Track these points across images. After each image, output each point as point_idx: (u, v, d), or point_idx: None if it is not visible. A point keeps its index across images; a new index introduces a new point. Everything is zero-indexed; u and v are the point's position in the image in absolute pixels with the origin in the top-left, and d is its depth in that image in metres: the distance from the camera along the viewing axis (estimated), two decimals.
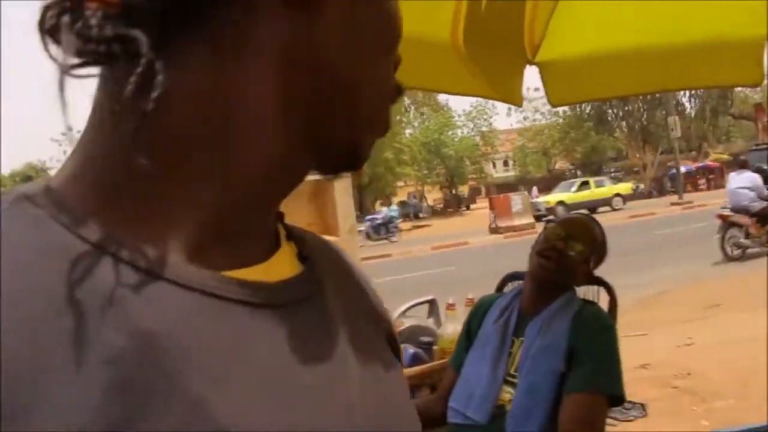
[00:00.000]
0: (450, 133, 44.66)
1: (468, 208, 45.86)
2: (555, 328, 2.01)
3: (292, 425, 0.46)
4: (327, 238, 2.90)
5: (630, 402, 4.76)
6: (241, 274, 0.48)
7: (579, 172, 46.75)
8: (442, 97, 44.57)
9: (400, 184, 45.85)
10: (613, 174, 43.86)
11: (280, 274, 0.52)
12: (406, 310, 2.91)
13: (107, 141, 0.45)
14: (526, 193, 28.96)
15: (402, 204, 39.38)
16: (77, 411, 0.37)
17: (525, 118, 48.19)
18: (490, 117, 46.97)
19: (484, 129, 47.20)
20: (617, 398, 1.98)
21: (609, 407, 2.01)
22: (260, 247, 0.53)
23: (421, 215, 41.16)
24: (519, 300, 2.17)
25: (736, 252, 11.18)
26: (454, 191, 47.21)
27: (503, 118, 55.35)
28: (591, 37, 2.51)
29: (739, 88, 44.02)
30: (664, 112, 35.97)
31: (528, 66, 2.55)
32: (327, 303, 0.56)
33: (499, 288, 2.36)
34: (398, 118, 40.19)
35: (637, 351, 6.29)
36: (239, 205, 0.49)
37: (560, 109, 44.25)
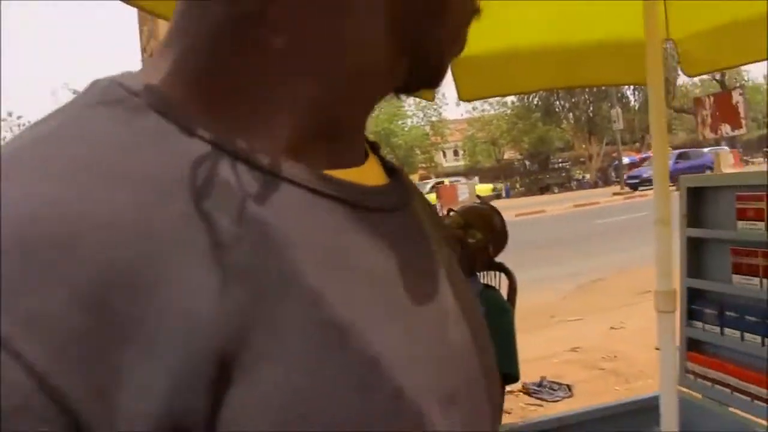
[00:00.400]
0: (400, 122, 44.71)
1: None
2: None
3: (407, 330, 0.47)
4: None
5: (557, 383, 4.96)
6: (339, 174, 0.48)
7: (527, 163, 47.29)
8: None
9: None
10: (560, 164, 44.61)
11: (374, 180, 0.53)
12: None
13: (205, 38, 0.46)
14: (473, 182, 29.22)
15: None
16: (199, 293, 0.37)
17: (474, 109, 48.50)
18: (440, 107, 47.08)
19: (434, 119, 47.35)
20: (512, 377, 2.12)
21: (505, 384, 2.15)
22: (355, 152, 0.53)
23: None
24: None
25: None
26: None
27: (453, 108, 55.29)
28: (500, 35, 2.62)
29: (680, 82, 45.22)
30: (609, 104, 36.56)
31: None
32: (417, 215, 0.56)
33: None
34: None
35: (571, 335, 6.52)
36: (341, 105, 0.49)
37: (508, 100, 44.63)
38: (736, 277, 1.97)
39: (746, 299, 1.95)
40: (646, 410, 1.81)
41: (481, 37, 2.57)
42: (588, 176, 39.37)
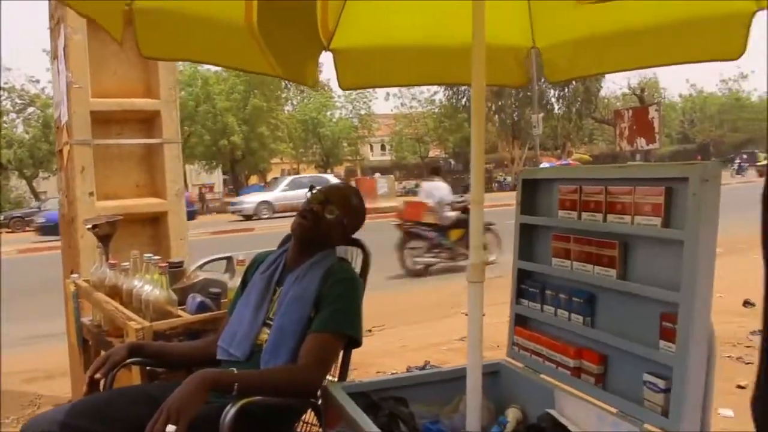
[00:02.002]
0: (328, 113, 44.73)
1: None
2: (309, 278, 2.33)
3: None
4: (154, 200, 3.18)
5: (437, 367, 5.23)
6: None
7: (452, 161, 48.01)
8: (323, 77, 44.56)
9: (276, 160, 45.52)
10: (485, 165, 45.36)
11: None
12: (203, 265, 3.16)
13: None
14: (392, 176, 29.57)
15: (275, 180, 39.19)
16: None
17: (402, 105, 48.92)
18: (370, 101, 47.34)
19: (362, 112, 47.54)
20: (354, 340, 2.33)
21: (346, 347, 2.37)
22: None
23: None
24: (285, 255, 2.49)
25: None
26: (329, 171, 47.42)
27: (382, 102, 55.68)
28: (379, 31, 2.82)
29: (603, 94, 46.60)
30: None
31: (324, 52, 2.82)
32: None
33: (281, 245, 2.64)
34: (277, 93, 39.80)
35: (464, 326, 6.81)
36: None
37: (436, 98, 45.18)
38: (554, 260, 2.23)
39: (561, 279, 2.21)
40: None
41: (361, 33, 2.76)
42: (509, 179, 40.31)
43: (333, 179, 26.76)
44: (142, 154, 4.64)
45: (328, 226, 2.42)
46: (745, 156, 42.31)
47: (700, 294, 1.65)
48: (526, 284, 2.38)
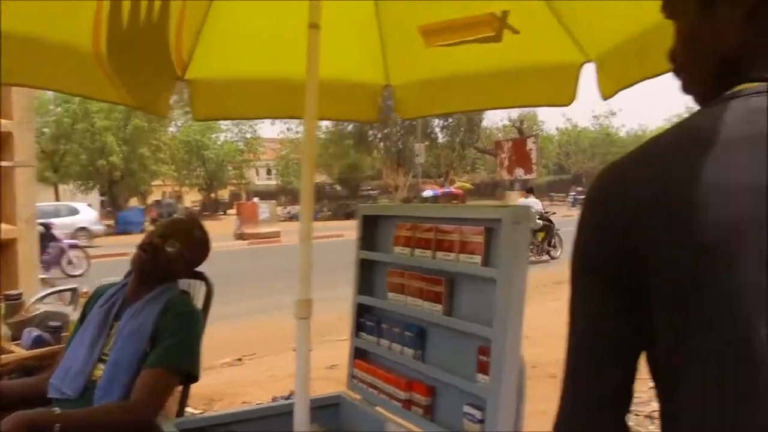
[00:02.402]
0: (213, 135, 43.99)
1: (225, 213, 45.42)
2: (147, 312, 2.29)
3: None
4: (3, 226, 3.00)
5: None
6: None
7: (338, 187, 48.18)
8: None
9: (158, 182, 44.25)
10: (369, 191, 45.89)
11: None
12: (43, 297, 3.05)
13: None
14: (274, 202, 29.39)
15: (156, 203, 38.04)
16: None
17: (288, 129, 48.74)
18: (256, 124, 46.91)
19: (248, 135, 47.05)
20: (192, 375, 2.31)
21: (182, 382, 2.34)
22: None
23: (175, 217, 39.85)
24: (126, 288, 2.44)
25: None
26: (213, 195, 46.53)
27: (268, 126, 55.35)
28: (235, 63, 2.83)
29: (485, 125, 48.20)
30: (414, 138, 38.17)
31: (179, 81, 2.80)
32: None
33: (126, 277, 2.59)
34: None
35: (334, 354, 6.82)
36: None
37: (323, 125, 45.26)
38: (390, 295, 2.29)
39: (396, 314, 2.28)
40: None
41: (216, 64, 2.77)
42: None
43: None
44: None
45: (168, 259, 2.39)
46: (579, 189, 44.65)
47: (511, 329, 1.75)
48: (364, 318, 2.44)
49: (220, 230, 27.69)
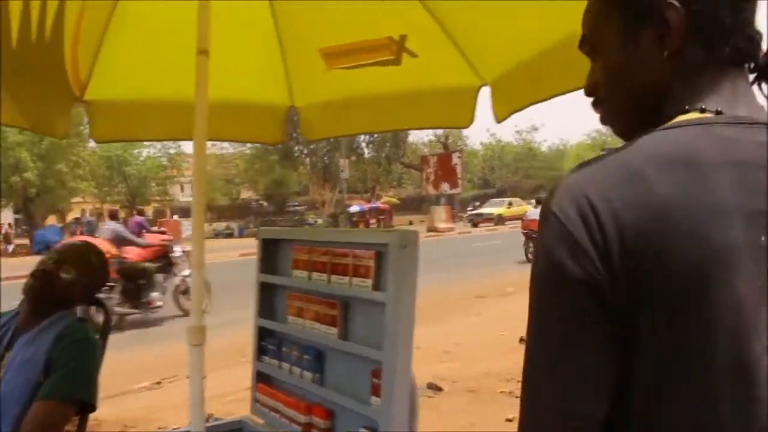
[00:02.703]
0: (135, 151, 42.99)
1: (149, 230, 44.32)
2: (40, 341, 2.22)
3: None
4: None
5: (218, 418, 5.13)
6: None
7: (265, 203, 47.76)
8: None
9: (78, 199, 42.93)
10: (295, 207, 45.65)
11: None
12: None
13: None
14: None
15: (75, 221, 36.85)
16: None
17: (213, 145, 48.04)
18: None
19: (172, 151, 46.16)
20: (88, 405, 2.25)
21: (78, 413, 2.27)
22: None
23: (96, 234, 38.67)
24: (18, 317, 2.36)
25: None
26: (134, 212, 45.43)
27: (191, 142, 54.24)
28: (135, 84, 2.80)
29: (411, 140, 48.62)
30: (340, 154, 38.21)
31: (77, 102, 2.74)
32: None
33: (21, 305, 2.51)
34: (79, 129, 37.73)
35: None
36: None
37: None
38: (290, 318, 2.30)
39: (296, 337, 2.28)
40: None
41: (117, 86, 2.73)
42: (320, 220, 40.76)
43: None
44: None
45: (63, 286, 2.33)
46: (477, 204, 45.30)
47: (401, 351, 1.78)
48: (266, 341, 2.43)
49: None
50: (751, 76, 0.94)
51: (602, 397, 0.82)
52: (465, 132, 60.70)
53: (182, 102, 2.82)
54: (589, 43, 1.01)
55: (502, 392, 5.49)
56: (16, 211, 39.91)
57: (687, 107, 0.90)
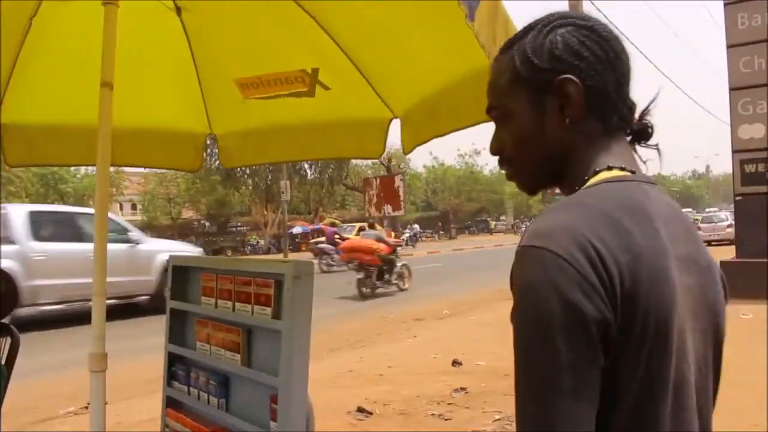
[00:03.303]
0: (72, 169, 42.13)
1: None
2: None
3: None
4: None
5: None
6: None
7: (207, 224, 47.22)
8: None
9: None
10: (237, 228, 45.27)
11: None
12: None
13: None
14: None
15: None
16: None
17: None
18: None
19: (111, 169, 45.33)
20: None
21: None
22: None
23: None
24: None
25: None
26: None
27: None
28: (52, 108, 2.82)
29: (354, 162, 48.76)
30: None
31: None
32: None
33: None
34: None
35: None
36: None
37: None
38: (198, 344, 2.34)
39: (204, 363, 2.32)
40: None
41: (33, 109, 2.74)
42: (263, 242, 40.49)
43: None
44: None
45: None
46: (416, 226, 45.72)
47: (296, 376, 1.84)
48: (176, 367, 2.46)
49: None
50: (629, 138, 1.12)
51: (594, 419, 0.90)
52: (409, 155, 61.23)
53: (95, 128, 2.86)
54: (497, 111, 1.14)
55: (432, 414, 5.56)
56: None
57: (596, 168, 1.04)
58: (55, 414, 6.40)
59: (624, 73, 1.10)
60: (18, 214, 10.85)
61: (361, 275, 15.21)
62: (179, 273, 2.47)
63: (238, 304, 2.12)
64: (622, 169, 1.04)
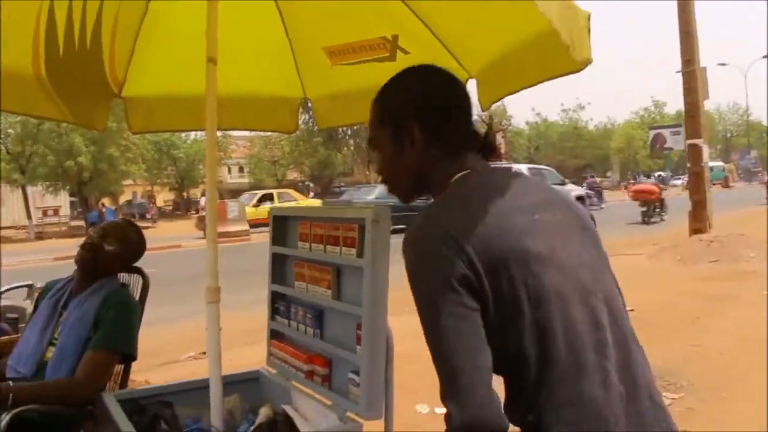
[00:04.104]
0: (183, 135, 43.95)
1: (197, 211, 45.44)
2: (89, 303, 2.67)
3: None
4: None
5: None
6: None
7: (310, 184, 48.41)
8: None
9: (129, 182, 44.15)
10: (341, 188, 46.19)
11: None
12: (3, 292, 3.40)
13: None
14: (242, 200, 29.48)
15: (128, 203, 38.00)
16: None
17: None
18: None
19: (218, 134, 46.90)
20: (130, 356, 2.70)
21: (122, 362, 2.72)
22: None
23: (148, 216, 39.82)
24: (72, 283, 2.82)
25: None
26: (185, 194, 46.55)
27: None
28: (165, 82, 3.19)
29: None
30: None
31: (116, 98, 3.15)
32: None
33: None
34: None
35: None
36: None
37: None
38: (296, 283, 2.68)
39: (301, 299, 2.67)
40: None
41: (149, 83, 3.12)
42: None
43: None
44: None
45: (107, 256, 2.77)
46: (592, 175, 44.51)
47: (376, 307, 2.14)
48: (278, 304, 2.82)
49: (190, 229, 27.83)
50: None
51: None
52: (510, 111, 60.26)
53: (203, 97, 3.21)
54: (373, 144, 1.60)
55: None
56: (71, 195, 41.11)
57: (452, 177, 1.46)
58: (176, 358, 7.02)
59: (463, 109, 1.57)
60: None
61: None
62: (279, 222, 2.82)
63: (328, 247, 2.44)
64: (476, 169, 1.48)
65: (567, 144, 60.23)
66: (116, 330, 2.64)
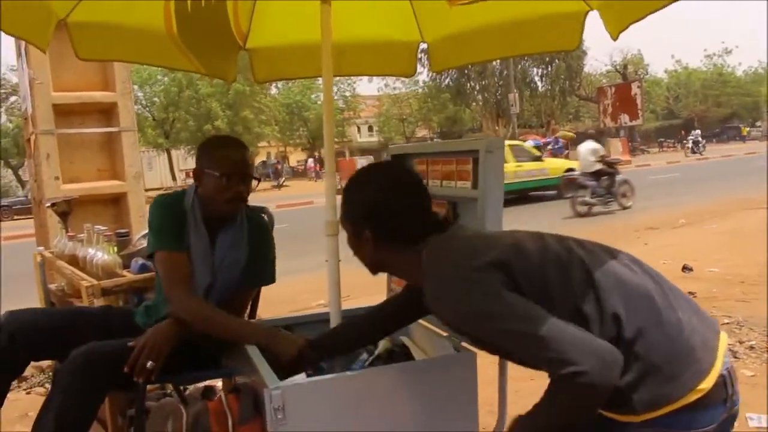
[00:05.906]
0: (313, 96, 44.89)
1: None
2: (240, 236, 2.72)
3: None
4: (114, 182, 3.87)
5: None
6: None
7: (439, 141, 48.28)
8: None
9: (263, 144, 45.76)
10: None
11: None
12: (146, 234, 3.65)
13: None
14: (372, 158, 29.85)
15: (262, 164, 39.43)
16: None
17: (386, 86, 49.05)
18: (354, 82, 47.51)
19: (347, 94, 47.66)
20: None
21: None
22: None
23: (282, 176, 41.22)
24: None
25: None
26: (316, 153, 47.75)
27: (365, 84, 55.71)
28: (286, 31, 3.31)
29: (587, 71, 46.71)
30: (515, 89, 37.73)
31: (241, 50, 3.31)
32: None
33: None
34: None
35: None
36: None
37: (420, 79, 45.44)
38: None
39: None
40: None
41: (271, 34, 3.25)
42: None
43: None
44: (102, 142, 5.16)
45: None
46: (698, 132, 41.43)
47: None
48: None
49: (322, 188, 28.42)
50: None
51: None
52: (647, 59, 57.30)
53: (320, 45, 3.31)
54: (341, 222, 1.97)
55: None
56: None
57: (422, 253, 1.76)
58: (308, 306, 7.33)
59: (413, 209, 1.85)
60: None
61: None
62: (396, 160, 2.88)
63: (444, 182, 2.49)
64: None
65: (711, 92, 56.61)
66: (270, 263, 2.78)
